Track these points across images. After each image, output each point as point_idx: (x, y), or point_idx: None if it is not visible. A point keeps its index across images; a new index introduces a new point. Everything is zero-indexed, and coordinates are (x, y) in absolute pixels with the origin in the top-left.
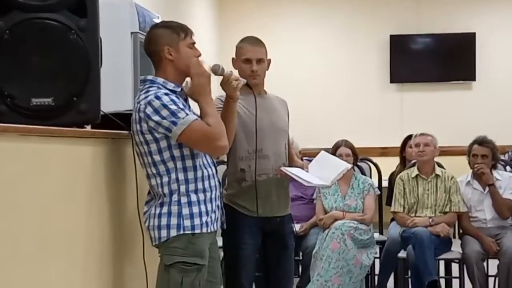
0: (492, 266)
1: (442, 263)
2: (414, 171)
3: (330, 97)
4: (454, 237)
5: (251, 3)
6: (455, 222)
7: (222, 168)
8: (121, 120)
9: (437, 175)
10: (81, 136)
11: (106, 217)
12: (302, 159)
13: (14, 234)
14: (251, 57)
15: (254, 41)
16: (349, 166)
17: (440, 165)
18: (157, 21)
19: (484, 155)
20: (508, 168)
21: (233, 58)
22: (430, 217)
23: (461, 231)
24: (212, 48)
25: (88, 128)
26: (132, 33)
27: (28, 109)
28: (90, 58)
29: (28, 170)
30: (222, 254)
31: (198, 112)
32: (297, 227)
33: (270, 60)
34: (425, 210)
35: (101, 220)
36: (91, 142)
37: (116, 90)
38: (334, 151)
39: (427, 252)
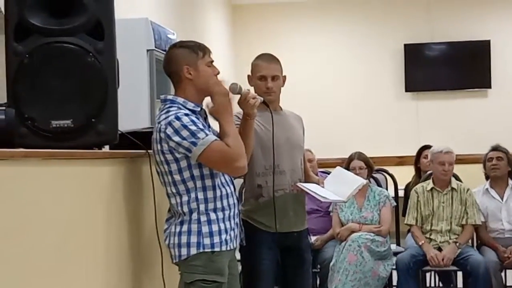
0: (510, 276)
1: (460, 274)
2: (429, 184)
3: (345, 107)
4: (472, 246)
5: (264, 16)
6: (473, 234)
7: (238, 183)
8: (138, 138)
9: (453, 188)
10: (100, 157)
11: (125, 236)
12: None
13: (36, 253)
14: (266, 74)
15: (269, 58)
16: (365, 181)
17: (456, 177)
18: (172, 37)
19: (499, 157)
20: None
21: (248, 75)
22: (441, 245)
23: (479, 241)
24: (227, 62)
25: (107, 148)
26: (148, 50)
27: (48, 131)
28: (107, 80)
29: (49, 192)
30: (240, 268)
31: (218, 129)
32: (312, 239)
33: (285, 76)
34: (440, 223)
35: (120, 238)
36: (110, 162)
37: (132, 108)
38: (347, 164)
39: None
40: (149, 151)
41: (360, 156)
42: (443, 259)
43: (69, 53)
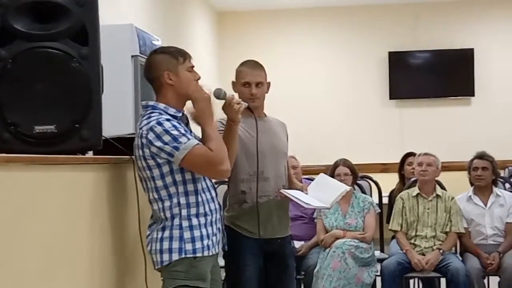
0: (493, 283)
1: (443, 280)
2: (415, 190)
3: (330, 114)
4: (456, 253)
5: (249, 23)
6: (456, 241)
7: (222, 189)
8: (122, 144)
9: (437, 195)
10: (83, 163)
11: (108, 242)
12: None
13: (18, 260)
14: (250, 81)
15: (253, 65)
16: (348, 188)
17: (441, 186)
18: (157, 43)
19: (485, 167)
20: (507, 185)
21: (233, 82)
22: (425, 251)
23: (462, 248)
24: (212, 68)
25: (90, 154)
26: (132, 56)
27: (31, 137)
28: (91, 85)
29: (32, 197)
30: (223, 275)
31: (200, 135)
32: (296, 245)
33: (269, 83)
34: (425, 229)
35: (104, 244)
36: (93, 168)
37: (117, 113)
38: (332, 170)
39: None
40: (133, 156)
41: (345, 162)
42: (426, 263)
43: (53, 58)
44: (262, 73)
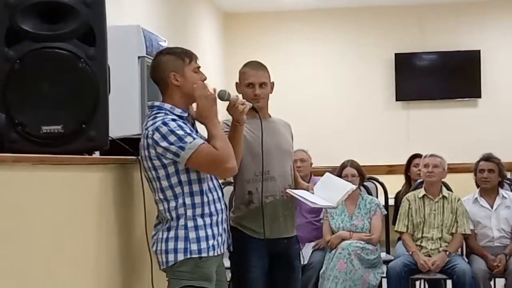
0: (499, 285)
1: (449, 282)
2: (421, 192)
3: (336, 116)
4: (462, 255)
5: (256, 24)
6: (462, 243)
7: (228, 190)
8: (129, 144)
9: (444, 196)
10: (90, 163)
11: (115, 242)
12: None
13: (25, 259)
14: (254, 82)
15: (256, 66)
16: (354, 186)
17: (447, 187)
18: (164, 44)
19: (491, 169)
20: None
21: (236, 83)
22: (431, 253)
23: (468, 250)
24: (218, 69)
25: (97, 154)
26: (139, 57)
27: (39, 137)
28: (98, 86)
29: (39, 197)
30: (229, 275)
31: (205, 135)
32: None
33: (273, 83)
34: (431, 230)
35: (110, 244)
36: (100, 168)
37: (123, 114)
38: (340, 171)
39: None
40: (139, 157)
41: (352, 164)
42: (432, 265)
43: (60, 59)
44: (266, 74)
